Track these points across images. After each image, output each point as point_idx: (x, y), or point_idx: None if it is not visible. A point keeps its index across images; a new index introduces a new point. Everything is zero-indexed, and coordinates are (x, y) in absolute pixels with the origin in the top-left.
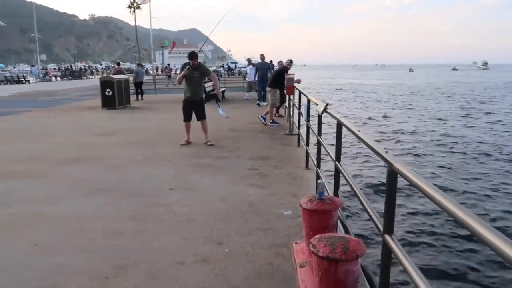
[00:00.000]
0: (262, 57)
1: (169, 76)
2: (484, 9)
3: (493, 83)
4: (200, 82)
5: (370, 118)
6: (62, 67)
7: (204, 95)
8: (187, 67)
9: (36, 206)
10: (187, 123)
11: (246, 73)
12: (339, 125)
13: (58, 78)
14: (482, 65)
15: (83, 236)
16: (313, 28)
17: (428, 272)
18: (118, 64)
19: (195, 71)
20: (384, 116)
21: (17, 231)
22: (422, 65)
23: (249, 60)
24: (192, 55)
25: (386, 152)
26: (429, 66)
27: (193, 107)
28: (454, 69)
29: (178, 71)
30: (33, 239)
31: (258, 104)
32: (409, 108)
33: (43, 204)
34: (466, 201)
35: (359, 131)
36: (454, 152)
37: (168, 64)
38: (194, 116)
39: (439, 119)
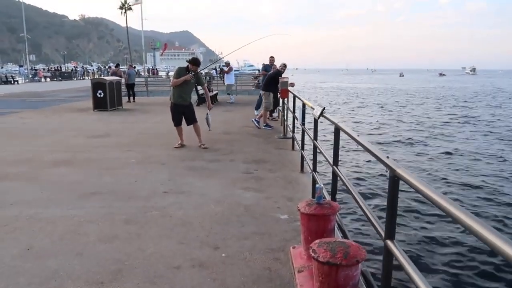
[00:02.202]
0: (272, 60)
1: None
2: (472, 15)
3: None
4: (192, 88)
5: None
6: (51, 68)
7: (197, 98)
8: (192, 73)
9: (28, 209)
10: (179, 127)
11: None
12: (337, 130)
13: (48, 79)
14: (471, 71)
15: (77, 240)
16: (305, 31)
17: (431, 278)
18: (117, 65)
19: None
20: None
21: (9, 234)
22: (412, 70)
23: (227, 64)
24: (199, 62)
25: (387, 157)
26: (419, 71)
27: (183, 112)
28: (441, 74)
29: (169, 74)
30: (26, 243)
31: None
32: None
33: (36, 207)
34: (467, 203)
35: (358, 135)
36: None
37: (156, 69)
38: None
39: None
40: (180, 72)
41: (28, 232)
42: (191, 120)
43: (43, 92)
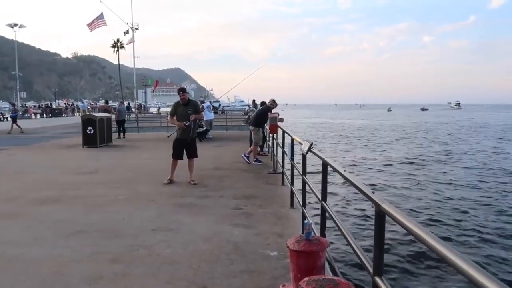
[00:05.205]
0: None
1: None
2: (455, 52)
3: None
4: (194, 120)
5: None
6: (42, 105)
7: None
8: (185, 123)
9: (12, 249)
10: (176, 161)
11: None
12: (325, 165)
13: (38, 116)
14: (456, 105)
15: (61, 281)
16: (293, 68)
17: None
18: (107, 102)
19: (188, 108)
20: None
21: None
22: (400, 105)
23: (201, 101)
24: (183, 89)
25: (373, 192)
26: (407, 106)
27: (186, 146)
28: (423, 109)
29: (160, 110)
30: (7, 285)
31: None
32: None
33: (19, 247)
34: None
35: (344, 171)
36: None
37: (143, 104)
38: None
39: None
40: (176, 106)
41: (10, 274)
42: (192, 155)
43: (32, 129)
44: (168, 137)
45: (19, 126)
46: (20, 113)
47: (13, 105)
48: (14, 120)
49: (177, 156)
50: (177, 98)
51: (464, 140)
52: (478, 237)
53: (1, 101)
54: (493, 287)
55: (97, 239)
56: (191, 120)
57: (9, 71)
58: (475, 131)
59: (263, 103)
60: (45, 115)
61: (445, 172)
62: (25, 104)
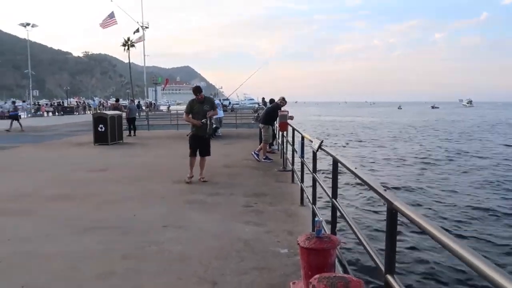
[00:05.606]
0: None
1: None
2: (467, 49)
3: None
4: (210, 117)
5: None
6: (54, 103)
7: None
8: (203, 121)
9: (25, 245)
10: (193, 158)
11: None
12: (335, 162)
13: (50, 113)
14: (467, 103)
15: (74, 277)
16: (304, 66)
17: None
18: (117, 100)
19: (204, 105)
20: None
21: (5, 271)
22: (410, 103)
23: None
24: (199, 89)
25: (385, 189)
26: (416, 104)
27: (201, 143)
28: (433, 107)
29: (169, 107)
30: (21, 280)
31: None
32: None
33: (32, 243)
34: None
35: (355, 168)
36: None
37: (154, 103)
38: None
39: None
40: (192, 104)
41: (24, 269)
42: (205, 153)
43: (45, 127)
44: (187, 135)
45: (10, 126)
46: (33, 111)
47: (13, 103)
48: (14, 118)
49: (192, 152)
50: (187, 96)
51: (478, 139)
52: (494, 235)
53: (13, 99)
54: (508, 284)
55: (109, 236)
56: (208, 117)
57: (21, 69)
58: (489, 128)
59: (272, 100)
60: (57, 113)
61: (459, 171)
62: (37, 102)
